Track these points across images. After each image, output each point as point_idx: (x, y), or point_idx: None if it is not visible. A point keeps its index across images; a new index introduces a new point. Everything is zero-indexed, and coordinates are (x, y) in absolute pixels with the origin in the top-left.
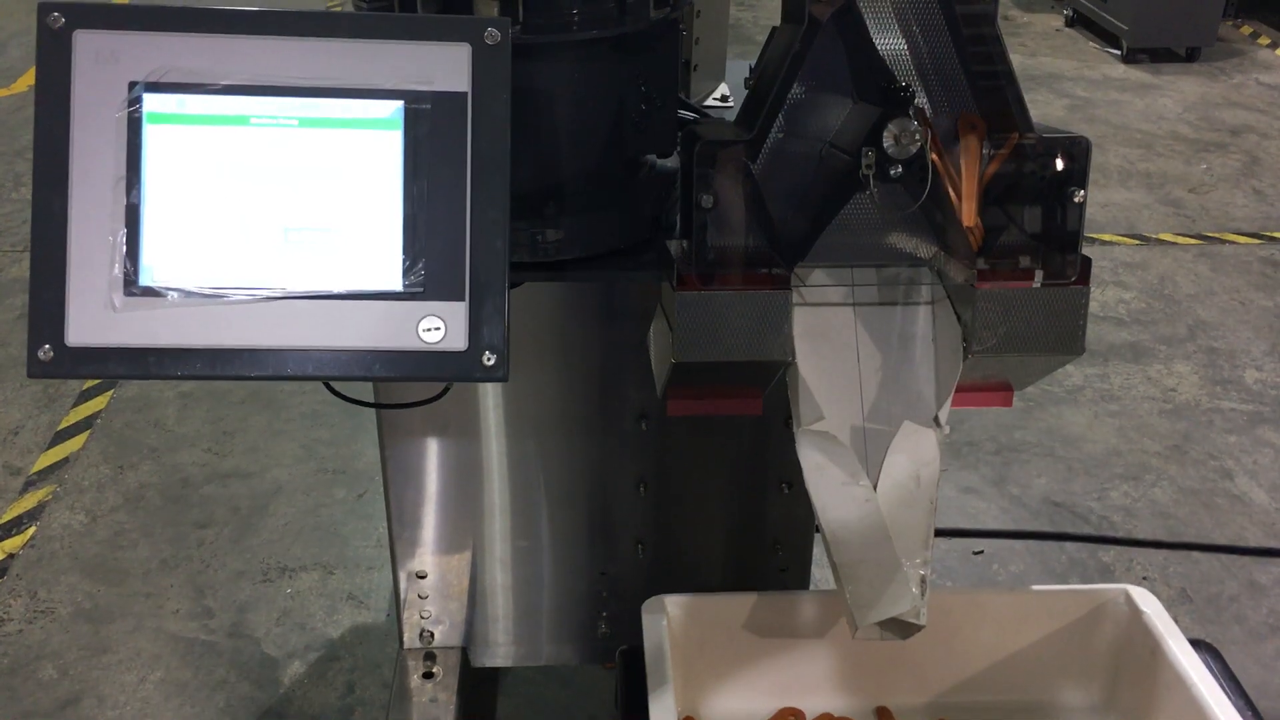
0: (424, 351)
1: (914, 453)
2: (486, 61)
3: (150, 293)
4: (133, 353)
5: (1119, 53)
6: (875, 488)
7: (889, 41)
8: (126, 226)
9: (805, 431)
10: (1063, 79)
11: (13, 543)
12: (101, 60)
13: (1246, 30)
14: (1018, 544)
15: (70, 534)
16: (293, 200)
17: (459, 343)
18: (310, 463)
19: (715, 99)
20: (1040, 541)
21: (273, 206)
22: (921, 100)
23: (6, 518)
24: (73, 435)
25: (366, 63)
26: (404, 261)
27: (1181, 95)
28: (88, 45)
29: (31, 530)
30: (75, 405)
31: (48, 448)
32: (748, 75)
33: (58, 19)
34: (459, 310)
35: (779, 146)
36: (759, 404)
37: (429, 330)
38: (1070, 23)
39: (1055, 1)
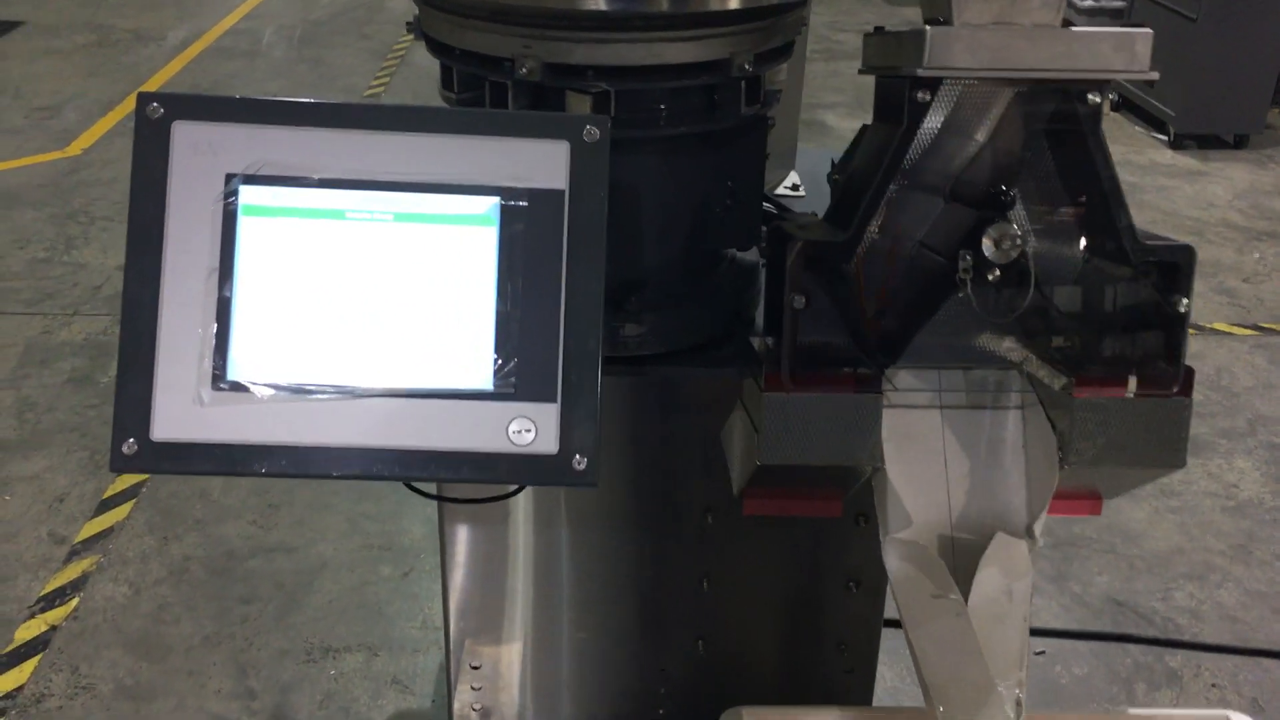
0: (513, 454)
1: (1006, 565)
2: (585, 160)
3: (238, 388)
4: (218, 449)
5: (1166, 138)
6: (966, 601)
7: (984, 140)
8: (217, 320)
9: (893, 540)
10: None
11: (55, 614)
12: (199, 151)
13: None
14: (1081, 645)
15: (113, 607)
16: (385, 296)
17: (550, 446)
18: (355, 538)
19: (786, 187)
20: (1104, 643)
21: (364, 302)
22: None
23: (49, 588)
24: (118, 504)
25: (463, 159)
26: (496, 361)
27: (1230, 182)
28: (186, 136)
29: (75, 602)
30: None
31: (93, 516)
32: (830, 170)
33: (157, 109)
34: (550, 412)
35: (870, 245)
36: (839, 506)
37: (519, 432)
38: (1116, 107)
39: None
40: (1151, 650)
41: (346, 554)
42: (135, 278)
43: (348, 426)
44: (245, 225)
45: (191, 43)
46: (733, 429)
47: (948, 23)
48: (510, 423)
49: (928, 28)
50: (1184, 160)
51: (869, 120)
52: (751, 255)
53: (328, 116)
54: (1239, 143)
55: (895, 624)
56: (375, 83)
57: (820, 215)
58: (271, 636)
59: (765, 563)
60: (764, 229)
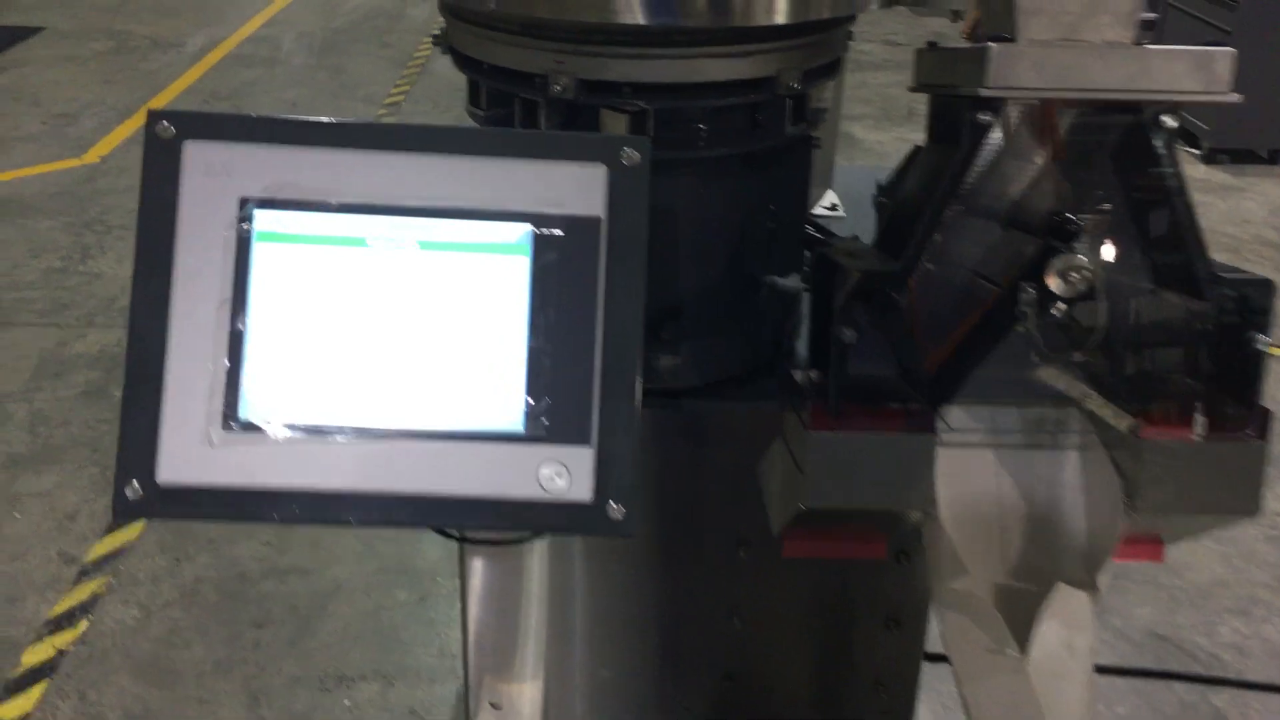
0: (544, 502)
1: (1067, 617)
2: (623, 184)
3: (250, 428)
4: (228, 494)
5: (1199, 153)
6: (1024, 656)
7: (1049, 164)
8: (228, 355)
9: (945, 589)
10: None
11: (64, 638)
12: (212, 173)
13: None
14: (1121, 681)
15: (123, 630)
16: (409, 329)
17: (583, 493)
18: (371, 561)
19: (824, 207)
20: (1147, 680)
21: (387, 336)
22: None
23: (58, 610)
24: (130, 523)
25: (493, 183)
26: (526, 400)
27: (1266, 198)
28: (198, 157)
29: (83, 625)
30: None
31: (104, 535)
32: (876, 191)
33: (167, 128)
34: (585, 456)
35: (923, 275)
36: (883, 547)
37: (551, 477)
38: None
39: None
40: (1196, 688)
41: (361, 577)
42: (142, 308)
43: (367, 470)
44: (259, 253)
45: (210, 50)
46: (772, 465)
47: (1011, 39)
48: (541, 467)
49: (991, 45)
50: (1218, 175)
51: (896, 132)
52: (791, 280)
53: (349, 137)
54: (1274, 158)
55: (935, 658)
56: (395, 91)
57: (860, 236)
58: (284, 663)
59: (800, 598)
60: (806, 254)
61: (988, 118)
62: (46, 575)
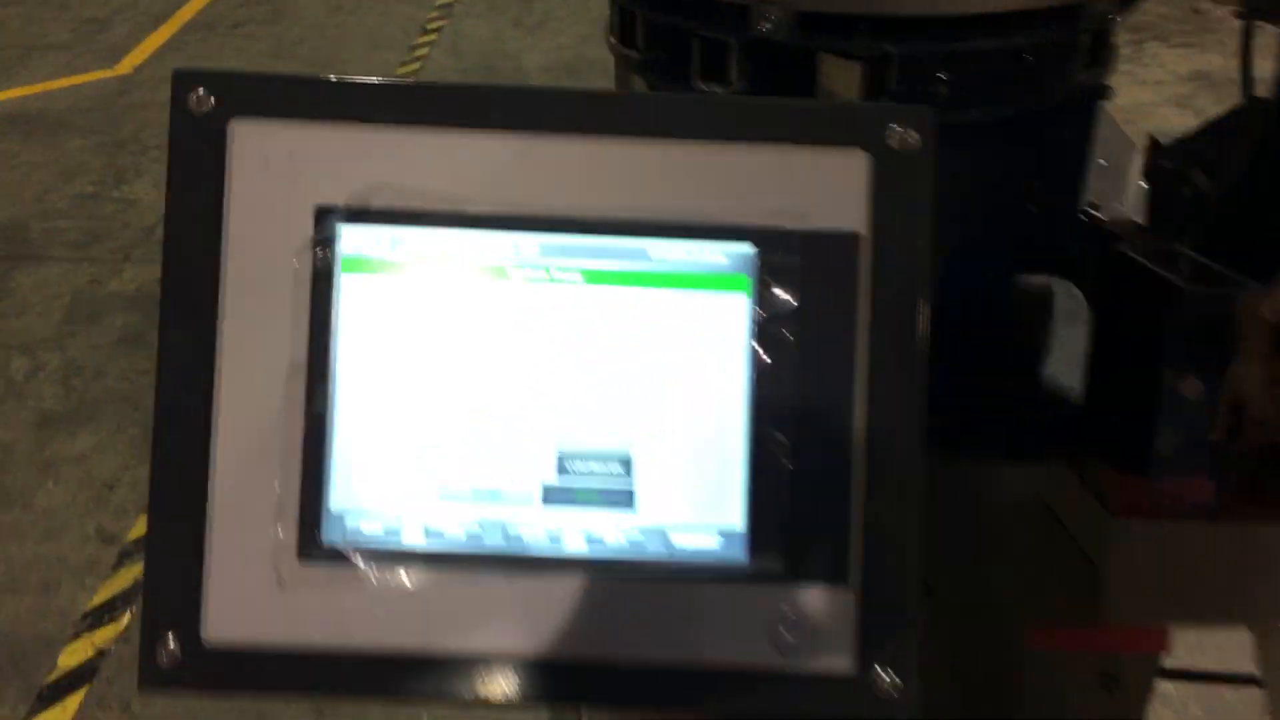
0: (779, 672)
1: None
2: (895, 181)
3: (338, 559)
4: (306, 658)
5: None
6: None
7: None
8: (305, 450)
9: None
10: None
11: (104, 634)
12: (273, 169)
13: None
14: None
15: None
16: (571, 405)
17: (840, 659)
18: None
19: None
20: None
21: (538, 417)
22: None
23: (98, 600)
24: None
25: (695, 181)
26: (748, 516)
27: None
28: (252, 143)
29: (126, 618)
30: None
31: (146, 508)
32: (1153, 152)
33: (205, 98)
34: (843, 602)
35: None
36: (1164, 639)
37: (789, 634)
38: None
39: None
40: None
41: None
42: (172, 380)
43: (510, 623)
44: (349, 291)
45: None
46: (1025, 533)
47: None
48: (776, 619)
49: None
50: None
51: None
52: (1042, 280)
53: (477, 110)
54: None
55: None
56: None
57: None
58: None
59: (998, 650)
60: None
61: None
62: (84, 557)
